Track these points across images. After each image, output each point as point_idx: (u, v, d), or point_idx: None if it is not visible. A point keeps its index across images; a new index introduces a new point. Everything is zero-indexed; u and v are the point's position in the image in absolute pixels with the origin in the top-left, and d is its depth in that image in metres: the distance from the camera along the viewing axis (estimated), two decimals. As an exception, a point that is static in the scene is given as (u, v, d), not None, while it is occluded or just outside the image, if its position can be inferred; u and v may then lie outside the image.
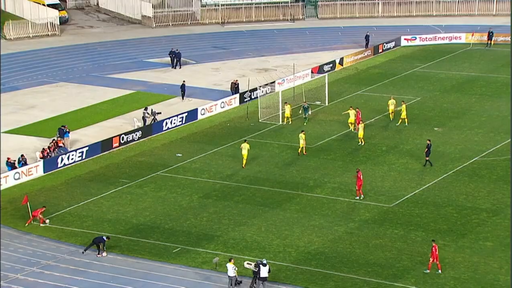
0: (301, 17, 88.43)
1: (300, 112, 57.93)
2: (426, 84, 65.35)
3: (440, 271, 36.92)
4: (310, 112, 57.28)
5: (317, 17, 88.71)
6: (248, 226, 42.08)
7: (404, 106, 55.35)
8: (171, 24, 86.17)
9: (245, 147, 49.52)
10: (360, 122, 53.16)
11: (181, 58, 72.11)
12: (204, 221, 42.91)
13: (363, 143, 51.77)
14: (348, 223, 41.97)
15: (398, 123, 54.83)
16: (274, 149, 52.67)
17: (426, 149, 48.17)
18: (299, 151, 50.84)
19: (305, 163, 50.02)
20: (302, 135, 50.80)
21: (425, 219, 42.11)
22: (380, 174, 47.82)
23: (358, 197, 44.69)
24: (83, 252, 39.22)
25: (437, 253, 36.69)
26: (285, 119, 56.67)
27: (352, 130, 54.16)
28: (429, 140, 48.80)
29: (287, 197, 45.44)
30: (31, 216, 42.42)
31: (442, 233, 40.60)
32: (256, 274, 36.02)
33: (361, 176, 44.46)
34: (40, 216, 42.28)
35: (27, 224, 42.31)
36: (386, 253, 38.90)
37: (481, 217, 42.11)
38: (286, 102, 57.62)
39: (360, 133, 51.86)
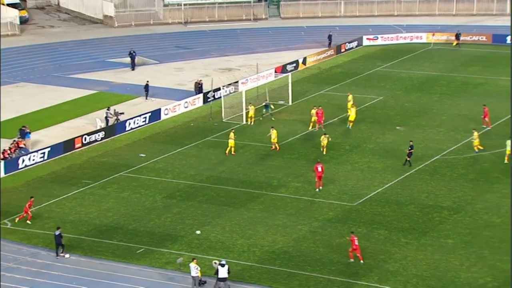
0: (264, 17, 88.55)
1: (264, 112, 58.03)
2: (388, 83, 65.90)
3: (362, 261, 37.58)
4: (272, 107, 57.48)
5: (280, 17, 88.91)
6: (212, 226, 42.02)
7: (354, 109, 55.43)
8: (133, 24, 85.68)
9: (231, 137, 50.66)
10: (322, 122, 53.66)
11: (144, 58, 71.73)
12: (168, 221, 42.74)
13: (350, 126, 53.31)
14: (312, 222, 42.13)
15: (350, 126, 54.95)
16: (238, 149, 52.62)
17: (410, 148, 48.18)
18: (272, 147, 51.12)
19: (268, 163, 50.10)
20: (273, 131, 51.00)
21: (388, 218, 42.45)
22: (343, 173, 48.09)
23: (317, 189, 45.16)
24: (57, 257, 38.81)
25: (356, 243, 37.41)
26: (249, 119, 56.70)
27: (317, 128, 54.40)
28: (412, 141, 48.76)
29: (251, 196, 45.47)
30: (24, 213, 42.20)
31: (404, 231, 40.96)
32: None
33: (319, 168, 44.96)
34: (29, 211, 42.04)
35: (18, 220, 42.29)
36: (349, 251, 39.09)
37: (442, 215, 42.58)
38: (250, 103, 57.66)
39: (352, 116, 53.35)
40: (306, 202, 44.60)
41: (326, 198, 44.94)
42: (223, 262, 35.79)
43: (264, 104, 58.38)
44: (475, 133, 50.70)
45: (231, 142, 51.05)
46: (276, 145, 51.14)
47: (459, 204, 43.74)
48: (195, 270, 35.89)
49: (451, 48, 75.59)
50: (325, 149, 49.98)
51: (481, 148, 50.32)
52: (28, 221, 42.21)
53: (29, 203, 42.43)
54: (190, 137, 54.99)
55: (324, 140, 50.27)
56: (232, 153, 51.04)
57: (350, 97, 57.80)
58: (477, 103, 59.12)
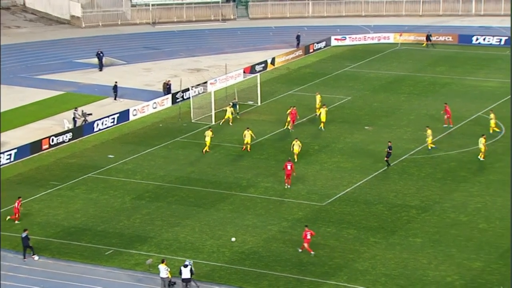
0: (232, 17, 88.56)
1: (233, 111, 58.05)
2: (356, 83, 66.26)
3: (312, 252, 38.36)
4: (237, 107, 57.61)
5: (249, 17, 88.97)
6: (182, 227, 41.91)
7: (325, 110, 55.59)
8: (100, 24, 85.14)
9: (208, 134, 50.86)
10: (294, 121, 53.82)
11: (112, 59, 71.31)
12: (137, 222, 42.54)
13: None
14: (281, 222, 42.20)
15: (322, 128, 55.13)
16: (207, 149, 52.53)
17: (388, 149, 48.16)
18: (243, 148, 50.98)
19: (238, 163, 50.10)
20: (247, 132, 50.93)
21: (357, 217, 42.68)
22: (312, 173, 48.25)
23: (286, 186, 45.54)
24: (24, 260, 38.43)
25: (308, 237, 38.01)
26: (224, 120, 56.36)
27: (290, 128, 54.46)
28: (390, 142, 48.81)
29: (220, 197, 45.42)
30: (14, 214, 42.08)
31: (373, 230, 41.22)
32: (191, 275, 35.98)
33: (289, 166, 45.37)
34: (19, 212, 41.96)
35: (17, 221, 42.02)
36: (319, 251, 39.26)
37: (410, 214, 42.91)
38: (229, 104, 57.51)
39: (323, 117, 53.55)
40: (275, 202, 44.66)
41: (295, 198, 45.05)
42: (187, 263, 35.77)
43: (232, 103, 58.45)
44: (429, 131, 51.22)
45: (208, 140, 51.00)
46: (248, 146, 51.03)
47: (427, 203, 44.12)
48: (165, 271, 35.76)
49: (418, 48, 76.23)
50: (296, 157, 48.76)
51: (433, 146, 50.92)
52: (16, 221, 41.93)
53: (17, 202, 42.14)
54: (159, 138, 54.79)
55: (296, 148, 48.99)
56: (207, 150, 51.15)
57: (318, 97, 58.05)
58: (444, 103, 59.65)
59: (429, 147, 50.89)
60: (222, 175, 48.37)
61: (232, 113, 57.37)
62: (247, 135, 51.08)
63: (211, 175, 48.50)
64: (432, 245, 39.43)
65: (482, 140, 48.94)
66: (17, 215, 42.19)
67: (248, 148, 51.15)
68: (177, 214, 43.43)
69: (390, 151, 48.36)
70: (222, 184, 47.11)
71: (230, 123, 56.14)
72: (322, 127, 54.88)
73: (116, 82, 63.12)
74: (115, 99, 62.23)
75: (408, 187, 46.09)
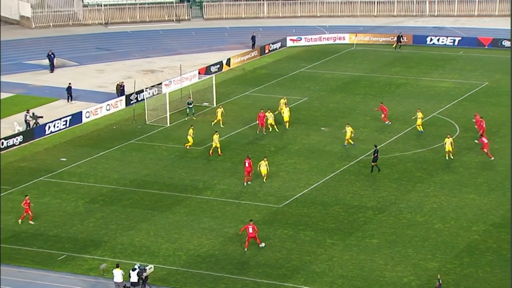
0: (186, 18, 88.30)
1: (188, 111, 57.98)
2: (313, 84, 66.63)
3: (261, 244, 39.10)
4: (192, 107, 57.52)
5: (203, 18, 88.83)
6: (137, 231, 41.66)
7: (288, 109, 55.84)
8: (51, 25, 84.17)
9: (190, 133, 51.56)
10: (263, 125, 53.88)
11: (64, 60, 70.56)
12: (90, 226, 42.17)
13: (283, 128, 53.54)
14: (238, 225, 42.22)
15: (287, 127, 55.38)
16: (162, 152, 52.37)
17: (374, 153, 48.06)
18: (210, 152, 50.83)
19: (194, 165, 50.00)
20: (215, 136, 50.72)
21: (314, 219, 42.92)
22: (269, 174, 48.33)
23: (245, 183, 45.92)
24: None
25: (253, 232, 38.70)
26: (216, 121, 55.89)
27: (258, 131, 54.43)
28: (376, 146, 48.77)
29: (176, 200, 45.27)
30: (28, 213, 41.97)
31: (330, 232, 41.48)
32: (144, 279, 35.80)
33: (247, 163, 45.77)
34: (30, 211, 41.88)
35: (31, 221, 42.10)
36: (276, 253, 39.38)
37: (367, 215, 43.30)
38: (220, 105, 57.01)
39: (286, 117, 53.64)
40: (232, 205, 44.67)
41: (252, 200, 45.12)
42: (136, 266, 35.61)
43: (187, 102, 58.37)
44: (419, 113, 53.60)
45: (190, 138, 51.30)
46: (219, 149, 50.80)
47: (383, 204, 44.57)
48: (120, 276, 35.53)
49: (374, 48, 76.97)
50: (265, 178, 46.68)
51: (420, 129, 53.17)
52: (30, 221, 41.94)
53: (26, 201, 41.83)
54: (113, 140, 54.40)
55: (262, 168, 46.49)
56: (188, 147, 51.45)
57: (282, 101, 57.86)
58: (400, 103, 60.38)
59: (421, 129, 53.53)
60: (178, 178, 48.22)
61: (189, 114, 57.26)
62: (215, 139, 50.71)
63: (166, 177, 48.30)
64: (388, 246, 39.83)
65: (448, 140, 49.55)
66: (26, 214, 42.04)
67: (219, 152, 50.82)
68: (132, 217, 43.16)
69: (376, 155, 47.83)
70: (178, 186, 46.96)
71: (221, 125, 55.49)
72: (287, 126, 55.04)
73: (70, 83, 62.51)
74: (68, 101, 61.62)
75: (364, 188, 46.50)
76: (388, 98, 62.56)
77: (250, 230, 39.11)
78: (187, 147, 51.72)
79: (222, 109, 56.59)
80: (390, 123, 55.77)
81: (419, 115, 54.40)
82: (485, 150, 49.69)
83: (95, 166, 50.02)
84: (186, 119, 57.72)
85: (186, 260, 38.78)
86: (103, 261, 38.24)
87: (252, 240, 39.40)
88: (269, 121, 54.84)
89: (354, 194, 45.83)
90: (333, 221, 42.66)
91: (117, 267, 35.98)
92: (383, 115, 56.13)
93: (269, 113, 55.04)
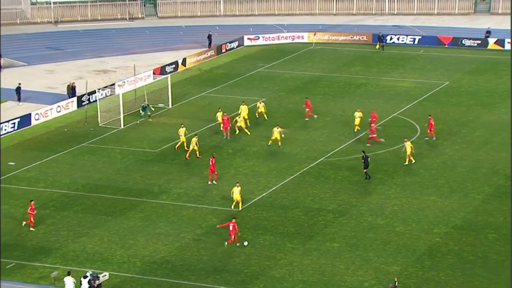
0: (140, 16, 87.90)
1: (143, 114, 57.72)
2: (271, 84, 66.80)
3: (225, 244, 39.97)
4: (152, 109, 57.35)
5: (157, 16, 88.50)
6: (89, 237, 41.31)
7: (246, 107, 56.19)
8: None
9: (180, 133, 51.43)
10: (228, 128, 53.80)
11: (11, 60, 69.72)
12: (41, 233, 41.70)
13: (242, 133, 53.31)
14: (195, 230, 42.14)
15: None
16: (116, 155, 52.02)
17: (362, 160, 47.86)
18: (187, 156, 50.66)
19: (149, 169, 49.76)
20: (194, 139, 50.58)
21: (273, 223, 43.00)
22: (227, 178, 48.34)
23: (209, 182, 46.35)
24: None
25: (231, 228, 39.39)
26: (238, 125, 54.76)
27: (225, 136, 54.26)
28: (364, 152, 48.51)
29: (130, 204, 45.00)
30: (30, 219, 41.69)
31: (290, 236, 41.61)
32: (96, 287, 35.54)
33: (211, 162, 46.25)
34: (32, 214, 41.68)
35: (24, 224, 42.03)
36: (234, 259, 39.38)
37: (327, 218, 43.53)
38: (243, 102, 56.70)
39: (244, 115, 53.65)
40: (189, 209, 44.56)
41: (210, 204, 45.05)
42: (88, 274, 35.37)
43: (142, 105, 58.11)
44: (359, 113, 54.69)
45: (182, 138, 51.49)
46: (197, 152, 50.55)
47: (344, 206, 44.86)
48: (72, 284, 35.20)
49: (333, 47, 77.46)
50: (240, 205, 44.23)
51: (358, 128, 54.59)
52: (31, 228, 41.51)
53: (31, 207, 41.50)
54: (64, 144, 53.88)
55: (235, 194, 43.75)
56: (176, 148, 51.66)
57: (261, 104, 58.09)
58: (360, 104, 60.84)
59: (356, 129, 54.49)
60: (132, 182, 47.94)
61: (141, 116, 57.08)
62: (194, 142, 50.40)
63: (120, 181, 47.99)
64: (349, 250, 40.10)
65: (407, 144, 49.92)
66: (31, 219, 41.85)
67: (198, 155, 50.58)
68: (84, 223, 42.78)
69: (363, 161, 47.55)
70: (132, 191, 46.69)
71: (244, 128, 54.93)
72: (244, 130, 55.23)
73: (19, 84, 61.73)
74: (19, 102, 60.82)
75: (325, 191, 46.75)
76: (348, 99, 63.00)
77: (231, 228, 39.39)
78: (176, 148, 51.42)
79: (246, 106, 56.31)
80: (315, 116, 57.51)
81: (358, 114, 54.99)
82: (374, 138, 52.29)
83: (45, 171, 49.48)
84: (138, 122, 57.38)
85: (141, 267, 38.56)
86: (54, 269, 37.85)
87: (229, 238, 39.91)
88: (238, 124, 54.72)
89: (314, 197, 46.04)
90: (292, 225, 42.80)
91: (69, 274, 35.71)
92: (307, 110, 57.16)
93: (239, 117, 54.87)
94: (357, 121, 55.06)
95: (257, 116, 57.33)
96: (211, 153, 50.93)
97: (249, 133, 54.42)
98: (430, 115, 54.48)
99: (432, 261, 39.02)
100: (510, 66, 66.52)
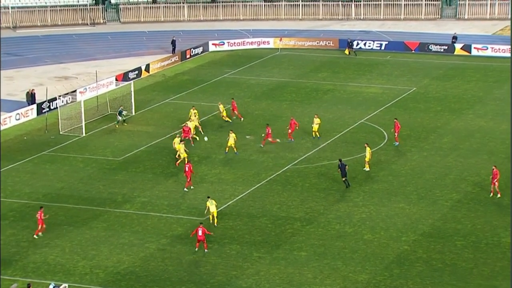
0: (102, 21, 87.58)
1: (120, 119, 57.55)
2: (237, 90, 66.92)
3: (206, 250, 40.46)
4: (124, 113, 57.48)
5: (120, 21, 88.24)
6: (51, 248, 41.01)
7: (222, 106, 57.35)
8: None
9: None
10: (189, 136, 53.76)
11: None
12: None
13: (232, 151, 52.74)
14: (160, 239, 42.03)
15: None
16: (78, 163, 51.72)
17: (338, 169, 47.69)
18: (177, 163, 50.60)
19: (112, 177, 49.54)
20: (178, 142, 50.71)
21: (240, 231, 43.05)
22: (192, 186, 48.25)
23: (185, 189, 46.94)
24: None
25: (202, 235, 39.92)
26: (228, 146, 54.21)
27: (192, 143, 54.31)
28: (340, 159, 48.47)
29: (93, 214, 44.77)
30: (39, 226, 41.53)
31: (257, 245, 41.68)
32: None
33: (187, 167, 46.84)
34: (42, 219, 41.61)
35: (36, 236, 41.89)
36: (200, 268, 39.36)
37: (295, 226, 43.68)
38: (193, 106, 57.32)
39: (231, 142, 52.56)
40: (153, 218, 44.44)
41: (174, 213, 44.98)
42: (51, 286, 35.15)
43: (118, 110, 57.99)
44: (317, 119, 55.11)
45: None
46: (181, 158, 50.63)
47: (312, 214, 45.05)
48: (32, 297, 34.96)
49: (299, 53, 77.85)
50: (216, 222, 43.54)
51: (317, 135, 54.93)
52: (40, 233, 41.65)
53: (40, 213, 41.42)
54: (24, 152, 53.43)
55: (212, 210, 43.35)
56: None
57: (221, 106, 58.43)
58: (328, 110, 61.20)
59: (314, 135, 54.88)
60: (95, 191, 47.69)
61: (117, 121, 57.07)
62: (176, 146, 50.58)
63: (83, 191, 47.72)
64: (317, 259, 40.28)
65: (367, 149, 50.37)
66: (42, 225, 41.79)
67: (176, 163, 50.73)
68: (45, 234, 42.44)
69: (339, 169, 47.37)
70: (95, 200, 46.45)
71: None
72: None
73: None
74: None
75: (292, 199, 46.92)
76: (315, 105, 63.33)
77: (200, 233, 39.67)
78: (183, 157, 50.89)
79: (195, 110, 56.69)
80: (241, 119, 58.35)
81: (316, 121, 55.39)
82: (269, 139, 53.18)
83: (5, 180, 48.99)
84: (116, 125, 57.39)
85: (104, 278, 38.37)
86: (13, 281, 37.48)
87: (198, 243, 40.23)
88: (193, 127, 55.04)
89: (281, 205, 46.18)
90: (259, 233, 42.89)
91: (29, 287, 35.33)
92: (232, 109, 58.36)
93: (191, 122, 55.11)
94: (315, 127, 55.35)
95: (228, 119, 57.68)
96: (174, 160, 50.81)
97: (198, 138, 54.53)
98: (396, 119, 55.03)
99: (401, 269, 39.35)
100: (510, 72, 66.93)
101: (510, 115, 58.63)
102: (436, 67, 73.30)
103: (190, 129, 54.51)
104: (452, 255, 40.45)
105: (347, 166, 47.80)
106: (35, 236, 41.92)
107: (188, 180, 47.30)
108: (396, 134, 53.98)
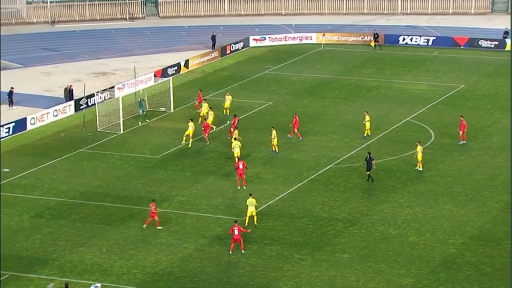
0: (141, 16, 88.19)
1: (141, 113, 57.98)
2: (278, 87, 66.94)
3: (243, 251, 40.26)
4: (147, 108, 57.68)
5: (159, 16, 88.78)
6: (88, 247, 41.45)
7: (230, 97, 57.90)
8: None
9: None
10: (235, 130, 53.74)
11: (5, 62, 69.94)
12: (37, 243, 41.85)
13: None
14: (199, 240, 42.24)
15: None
16: (115, 161, 52.19)
17: (365, 161, 48.06)
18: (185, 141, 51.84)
19: (150, 176, 49.91)
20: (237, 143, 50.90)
21: (280, 232, 43.07)
22: (231, 185, 48.43)
23: (238, 187, 47.01)
24: None
25: (238, 234, 39.78)
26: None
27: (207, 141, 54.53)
28: (369, 153, 48.66)
29: (131, 213, 45.14)
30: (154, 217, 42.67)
31: (298, 246, 41.67)
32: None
33: (241, 165, 46.89)
34: (156, 216, 42.40)
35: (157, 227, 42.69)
36: (239, 270, 39.47)
37: (337, 228, 43.58)
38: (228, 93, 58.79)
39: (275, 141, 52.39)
40: (191, 218, 44.67)
41: (213, 213, 45.17)
42: (92, 287, 35.40)
43: (139, 100, 58.41)
44: (367, 116, 54.51)
45: (190, 131, 52.81)
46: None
47: (355, 215, 44.91)
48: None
49: (343, 49, 77.58)
50: (256, 219, 43.67)
51: (368, 133, 54.22)
52: (158, 227, 42.53)
53: (152, 206, 42.26)
54: (61, 149, 54.07)
55: (251, 209, 43.43)
56: (190, 140, 53.01)
57: (229, 98, 58.93)
58: (372, 108, 60.93)
59: (366, 134, 53.71)
60: (133, 189, 48.08)
61: (141, 111, 57.40)
62: (235, 148, 50.41)
63: (120, 189, 48.13)
64: (360, 261, 40.14)
65: (418, 148, 50.02)
66: (151, 218, 42.61)
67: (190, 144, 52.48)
68: (82, 233, 42.92)
69: (366, 162, 47.62)
70: (133, 199, 46.83)
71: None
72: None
73: (12, 88, 62.01)
74: (10, 106, 61.10)
75: (334, 199, 46.81)
76: (359, 102, 63.08)
77: (236, 232, 39.69)
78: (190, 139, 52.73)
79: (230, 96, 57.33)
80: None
81: (367, 118, 54.97)
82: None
83: (42, 177, 49.64)
84: (140, 123, 57.78)
85: (141, 279, 38.67)
86: (50, 280, 37.96)
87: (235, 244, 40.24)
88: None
89: (323, 205, 46.10)
90: (301, 234, 42.86)
91: (66, 287, 35.72)
92: (295, 128, 55.64)
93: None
94: (367, 125, 55.07)
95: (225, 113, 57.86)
96: (214, 159, 51.04)
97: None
98: (461, 116, 54.50)
99: (448, 273, 39.04)
100: (510, 66, 66.55)
101: (510, 114, 57.87)
102: (486, 63, 72.52)
103: (209, 124, 54.61)
104: (502, 259, 40.01)
105: (374, 161, 47.63)
106: (158, 227, 42.73)
107: (240, 178, 47.48)
108: (461, 132, 53.41)
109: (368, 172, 47.95)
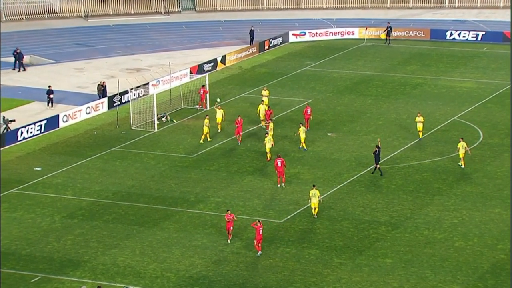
0: (176, 10, 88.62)
1: (164, 120, 58.33)
2: (318, 84, 66.85)
3: (260, 252, 40.79)
4: (166, 118, 58.23)
5: (195, 10, 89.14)
6: (120, 249, 41.76)
7: (221, 111, 56.55)
8: (24, 18, 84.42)
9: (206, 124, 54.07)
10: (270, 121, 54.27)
11: (38, 57, 70.63)
12: (68, 244, 42.27)
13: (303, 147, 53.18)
14: (235, 242, 42.34)
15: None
16: (149, 160, 52.50)
17: (374, 153, 48.76)
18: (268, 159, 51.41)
19: (185, 176, 50.14)
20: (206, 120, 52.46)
21: (319, 235, 43.02)
22: (269, 186, 48.49)
23: (279, 185, 47.53)
24: None
25: (261, 233, 40.22)
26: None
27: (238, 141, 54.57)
28: (378, 145, 49.06)
29: (165, 214, 45.39)
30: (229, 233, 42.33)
31: (338, 250, 41.59)
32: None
33: (279, 163, 47.32)
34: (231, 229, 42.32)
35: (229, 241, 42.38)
36: (277, 274, 39.50)
37: (379, 231, 43.42)
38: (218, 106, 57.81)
39: (302, 137, 52.74)
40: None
41: (250, 214, 45.24)
42: None
43: (161, 115, 58.37)
44: (420, 117, 53.90)
45: (206, 129, 53.69)
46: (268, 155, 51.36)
47: (398, 218, 44.70)
48: (101, 300, 35.65)
49: (387, 44, 77.19)
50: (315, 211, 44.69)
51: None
52: (228, 241, 42.35)
53: (228, 217, 42.17)
54: (94, 148, 54.52)
55: (314, 201, 44.37)
56: (208, 139, 53.82)
57: (266, 92, 59.23)
58: (416, 106, 60.56)
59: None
60: (167, 190, 48.34)
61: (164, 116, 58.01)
62: (268, 143, 50.92)
63: (154, 189, 48.42)
64: (403, 266, 39.95)
65: (462, 145, 49.68)
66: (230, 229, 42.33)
67: (208, 138, 53.64)
68: (115, 234, 43.25)
69: (374, 154, 48.13)
70: (167, 199, 47.08)
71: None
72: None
73: (50, 86, 62.28)
74: (49, 105, 61.30)
75: (376, 201, 46.64)
76: (403, 100, 62.76)
77: (261, 232, 40.03)
78: (208, 139, 53.80)
79: (222, 110, 56.61)
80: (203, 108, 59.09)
81: (419, 119, 54.47)
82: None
83: (74, 177, 50.11)
84: (173, 121, 58.18)
85: (175, 282, 38.87)
86: (82, 283, 38.31)
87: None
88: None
89: (364, 207, 45.95)
90: (341, 238, 42.78)
91: (99, 290, 36.12)
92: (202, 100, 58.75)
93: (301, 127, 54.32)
94: (419, 126, 54.51)
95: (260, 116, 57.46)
96: (251, 159, 51.07)
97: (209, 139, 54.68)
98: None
99: (497, 280, 38.69)
100: (510, 65, 65.72)
101: (510, 114, 57.17)
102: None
103: (242, 121, 54.60)
104: (553, 266, 39.56)
105: (378, 151, 48.27)
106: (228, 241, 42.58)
107: (280, 176, 47.73)
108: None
109: (377, 166, 47.70)
